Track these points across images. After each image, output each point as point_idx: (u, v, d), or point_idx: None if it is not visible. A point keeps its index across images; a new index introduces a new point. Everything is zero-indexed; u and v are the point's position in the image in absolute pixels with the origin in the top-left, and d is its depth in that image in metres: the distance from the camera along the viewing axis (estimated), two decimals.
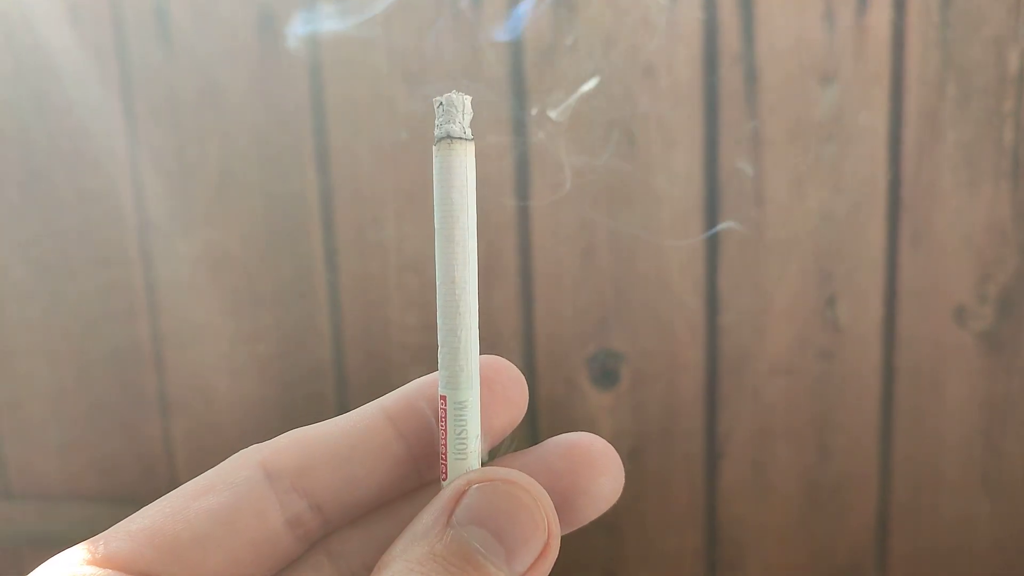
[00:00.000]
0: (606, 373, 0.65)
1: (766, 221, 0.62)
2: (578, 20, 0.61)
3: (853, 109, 0.61)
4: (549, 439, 0.23)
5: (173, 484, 0.79)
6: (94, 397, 0.71)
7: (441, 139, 0.22)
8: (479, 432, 0.22)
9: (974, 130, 0.61)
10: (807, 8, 0.59)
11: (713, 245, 0.63)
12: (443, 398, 0.22)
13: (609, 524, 0.67)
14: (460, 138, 0.22)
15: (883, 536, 0.66)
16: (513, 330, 0.64)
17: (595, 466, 0.22)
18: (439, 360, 0.22)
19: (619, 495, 0.22)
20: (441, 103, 0.22)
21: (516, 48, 0.61)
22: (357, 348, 0.67)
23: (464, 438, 0.21)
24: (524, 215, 0.63)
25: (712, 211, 0.62)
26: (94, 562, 0.20)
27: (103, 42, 0.65)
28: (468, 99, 0.22)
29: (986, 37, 0.60)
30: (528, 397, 0.23)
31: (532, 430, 0.65)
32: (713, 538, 0.67)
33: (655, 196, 0.62)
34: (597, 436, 0.22)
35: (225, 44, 0.64)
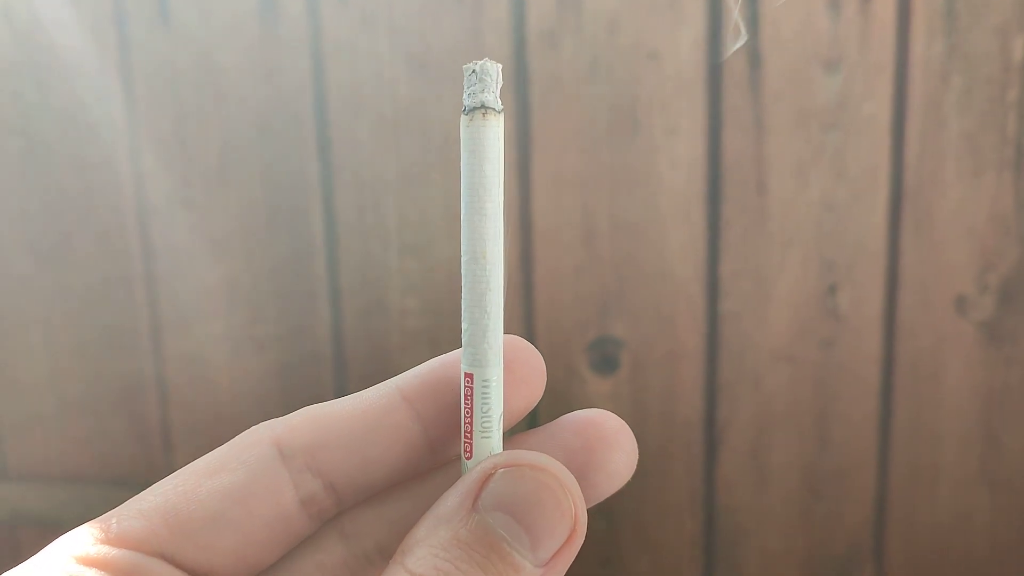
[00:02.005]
0: (606, 360, 0.65)
1: (768, 209, 0.62)
2: (581, 3, 0.60)
3: (857, 97, 0.60)
4: (563, 416, 0.23)
5: (170, 467, 0.79)
6: (91, 379, 0.71)
7: (475, 109, 0.21)
8: (502, 411, 0.21)
9: (978, 119, 0.61)
10: None
11: (715, 232, 0.63)
12: (468, 376, 0.21)
13: (607, 511, 0.67)
14: (494, 109, 0.21)
15: (881, 525, 0.67)
16: (513, 316, 0.64)
17: (610, 442, 0.22)
18: (464, 338, 0.21)
19: (633, 471, 0.22)
20: (474, 71, 0.21)
21: (518, 31, 0.61)
22: (356, 332, 0.66)
23: (490, 416, 0.21)
24: (525, 201, 0.63)
25: (715, 198, 0.62)
26: (107, 541, 0.19)
27: (102, 23, 0.65)
28: (500, 67, 0.21)
29: (991, 25, 0.59)
30: (546, 379, 0.23)
31: (531, 415, 0.65)
32: (711, 526, 0.67)
33: (657, 183, 0.62)
34: (610, 412, 0.22)
35: (225, 25, 0.64)
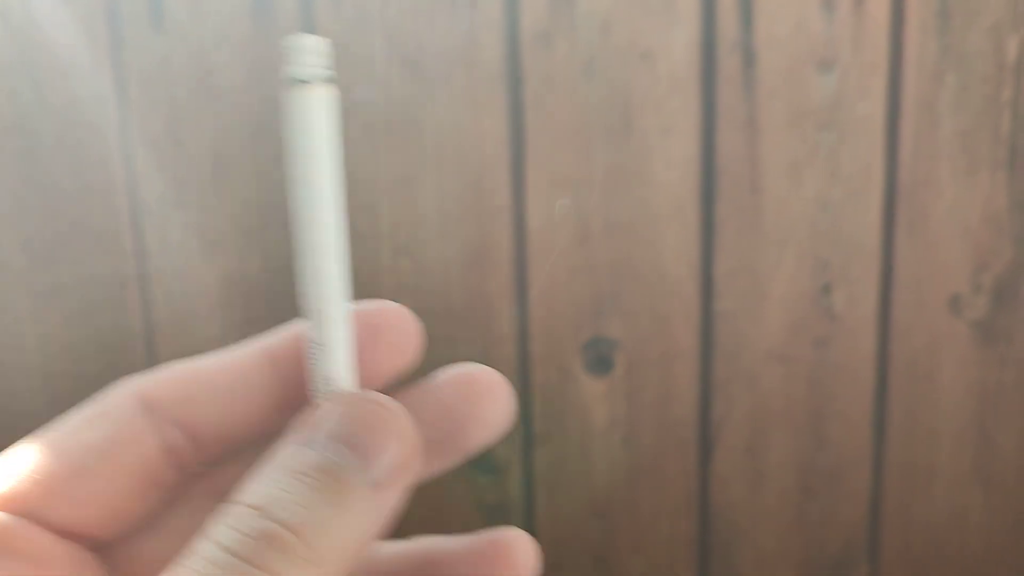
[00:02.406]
0: (601, 360, 0.65)
1: (762, 208, 0.62)
2: (575, 3, 0.60)
3: (851, 96, 0.60)
4: (438, 371, 0.23)
5: None
6: (84, 382, 0.71)
7: (297, 83, 0.20)
8: (347, 376, 0.21)
9: (972, 119, 0.61)
10: None
11: (709, 232, 0.63)
12: (310, 342, 0.21)
13: (601, 511, 0.67)
14: (321, 81, 0.20)
15: (876, 524, 0.67)
16: (507, 317, 0.64)
17: (485, 394, 0.22)
18: (303, 306, 0.21)
19: (510, 422, 0.23)
20: (290, 46, 0.20)
21: (512, 31, 0.61)
22: None
23: (328, 380, 0.21)
24: (519, 201, 0.63)
25: (709, 198, 0.62)
26: None
27: (95, 23, 0.64)
28: (322, 40, 0.20)
29: (985, 25, 0.59)
30: (420, 344, 0.23)
31: (526, 417, 0.65)
32: (706, 525, 0.67)
33: (651, 182, 0.62)
34: (487, 367, 0.23)
35: (218, 25, 0.63)
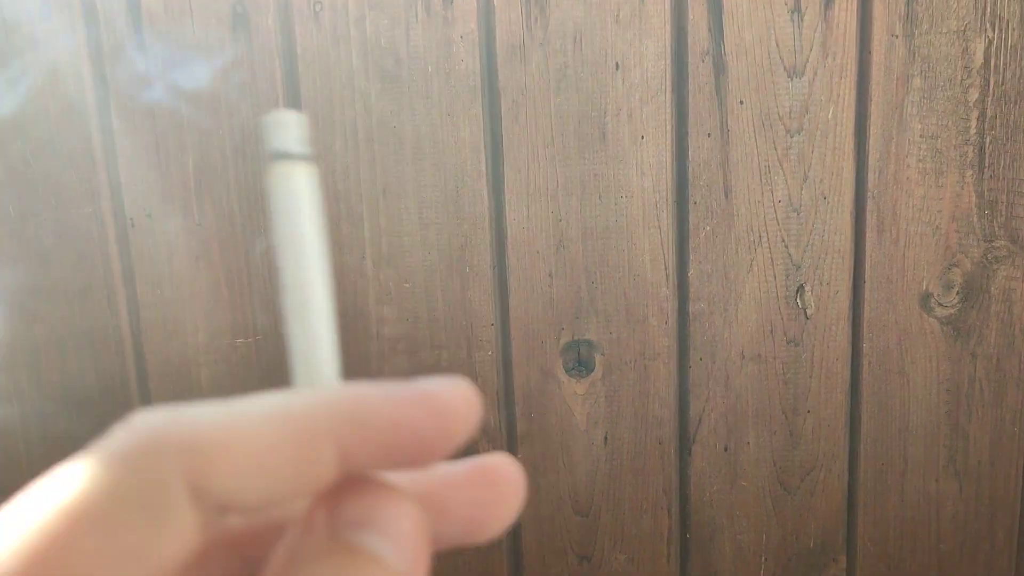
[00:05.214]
0: (580, 362, 0.66)
1: (735, 212, 0.63)
2: (548, 17, 0.61)
3: (820, 101, 0.62)
4: (467, 461, 0.23)
5: None
6: (74, 390, 0.72)
7: (280, 157, 0.20)
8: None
9: (940, 121, 0.62)
10: (775, 2, 0.60)
11: (683, 236, 0.64)
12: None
13: (583, 509, 0.68)
14: (301, 156, 0.20)
15: (852, 517, 0.68)
16: (489, 321, 0.65)
17: (505, 492, 0.22)
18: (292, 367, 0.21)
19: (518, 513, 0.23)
20: (273, 121, 0.20)
21: (487, 44, 0.62)
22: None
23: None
24: (498, 209, 0.64)
25: (682, 203, 0.63)
26: None
27: (76, 36, 0.65)
28: (301, 116, 0.21)
29: (951, 29, 0.61)
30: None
31: (509, 418, 0.66)
32: (686, 521, 0.69)
33: (626, 189, 0.63)
34: (507, 458, 0.22)
35: (198, 36, 0.64)
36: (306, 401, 0.20)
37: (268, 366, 0.70)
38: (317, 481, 0.20)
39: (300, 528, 0.19)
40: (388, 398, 0.20)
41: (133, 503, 0.17)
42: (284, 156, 0.20)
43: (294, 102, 0.65)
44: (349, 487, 0.20)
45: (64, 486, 0.17)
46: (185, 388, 0.71)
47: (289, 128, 0.21)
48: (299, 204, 0.20)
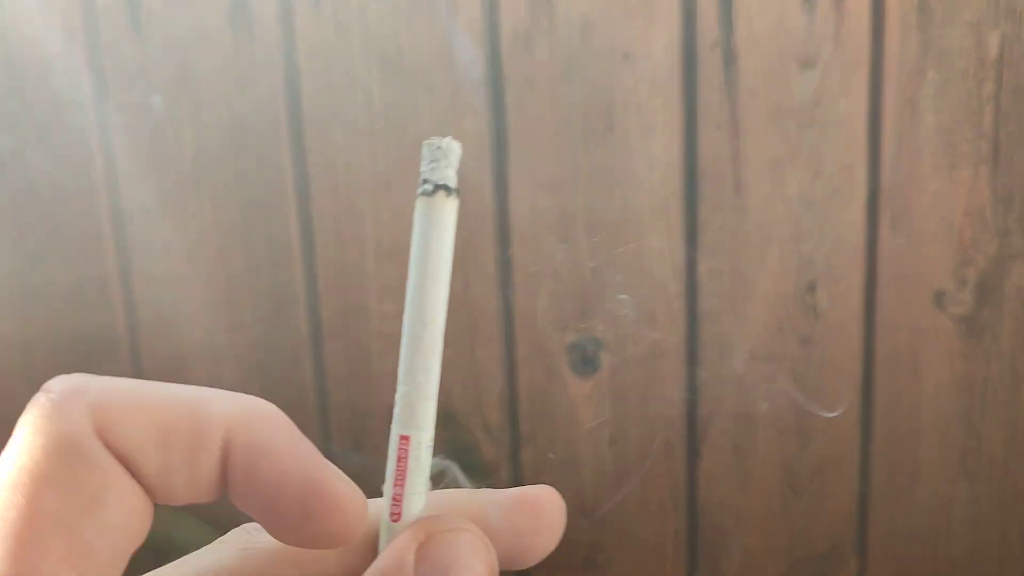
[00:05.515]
0: (586, 360, 0.65)
1: (745, 207, 0.62)
2: (555, 5, 0.60)
3: (833, 94, 0.60)
4: (510, 491, 0.23)
5: None
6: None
7: (437, 189, 0.20)
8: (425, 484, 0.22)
9: (954, 114, 0.61)
10: None
11: (692, 231, 0.63)
12: (404, 438, 0.21)
13: (589, 511, 0.67)
14: (455, 189, 0.20)
15: (863, 520, 0.67)
16: (493, 319, 0.64)
17: (548, 523, 0.23)
18: (401, 400, 0.21)
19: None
20: (439, 147, 0.20)
21: (492, 33, 0.61)
22: (335, 336, 0.66)
23: (423, 479, 0.21)
24: (502, 202, 0.63)
25: (691, 197, 0.62)
26: None
27: (73, 28, 0.64)
28: (458, 145, 0.20)
29: (966, 21, 0.59)
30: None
31: (512, 418, 0.65)
32: (694, 524, 0.67)
33: (634, 183, 0.62)
34: (549, 488, 0.23)
35: (197, 28, 0.63)
36: (205, 394, 0.21)
37: (265, 364, 0.68)
38: (205, 465, 0.20)
39: (387, 562, 0.21)
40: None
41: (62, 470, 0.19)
42: (440, 189, 0.20)
43: (294, 93, 0.63)
44: (435, 526, 0.21)
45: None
46: None
47: (450, 159, 0.20)
48: (443, 242, 0.20)
